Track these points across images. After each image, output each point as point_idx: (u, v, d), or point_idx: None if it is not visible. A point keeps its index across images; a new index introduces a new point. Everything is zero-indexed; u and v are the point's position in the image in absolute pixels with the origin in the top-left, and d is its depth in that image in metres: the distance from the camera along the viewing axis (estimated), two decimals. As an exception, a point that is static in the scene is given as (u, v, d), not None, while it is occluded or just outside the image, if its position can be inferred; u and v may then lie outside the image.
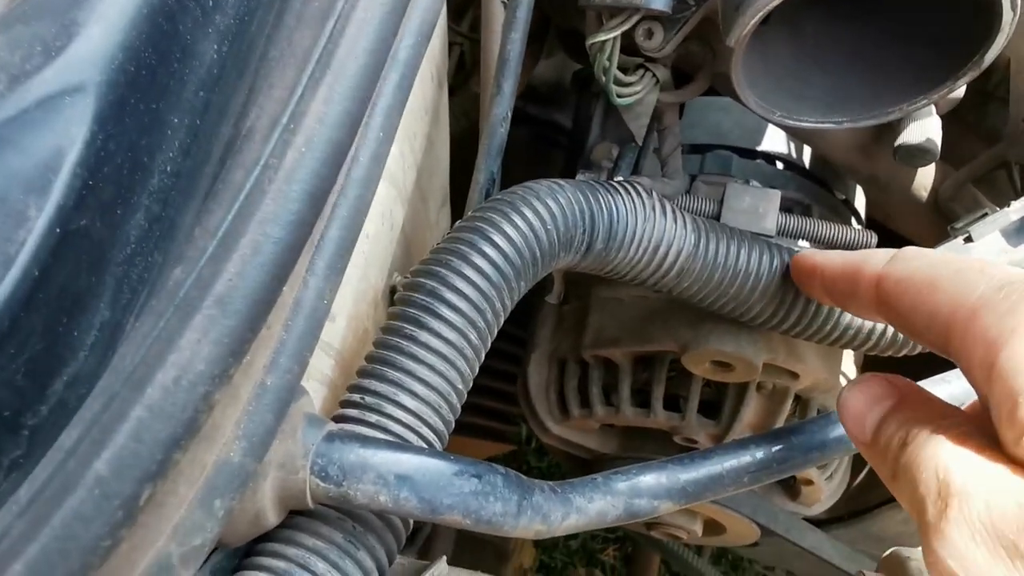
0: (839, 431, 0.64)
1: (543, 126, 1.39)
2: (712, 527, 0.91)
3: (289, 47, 0.37)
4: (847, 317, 0.66)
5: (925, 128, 0.73)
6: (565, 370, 0.86)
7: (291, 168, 0.34)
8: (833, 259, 0.53)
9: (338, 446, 0.43)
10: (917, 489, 0.36)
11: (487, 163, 0.61)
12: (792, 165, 0.88)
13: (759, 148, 0.89)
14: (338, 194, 0.41)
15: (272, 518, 0.43)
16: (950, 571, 0.34)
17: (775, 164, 0.88)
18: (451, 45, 1.25)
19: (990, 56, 0.59)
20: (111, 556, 0.31)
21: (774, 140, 0.90)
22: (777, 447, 0.63)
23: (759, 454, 0.62)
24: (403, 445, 0.47)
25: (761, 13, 0.56)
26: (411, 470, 0.44)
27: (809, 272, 0.57)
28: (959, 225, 0.67)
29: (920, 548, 0.57)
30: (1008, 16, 0.56)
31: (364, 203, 0.42)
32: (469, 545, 1.48)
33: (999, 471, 0.34)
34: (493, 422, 1.36)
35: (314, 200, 0.35)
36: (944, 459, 0.36)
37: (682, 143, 0.89)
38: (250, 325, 0.33)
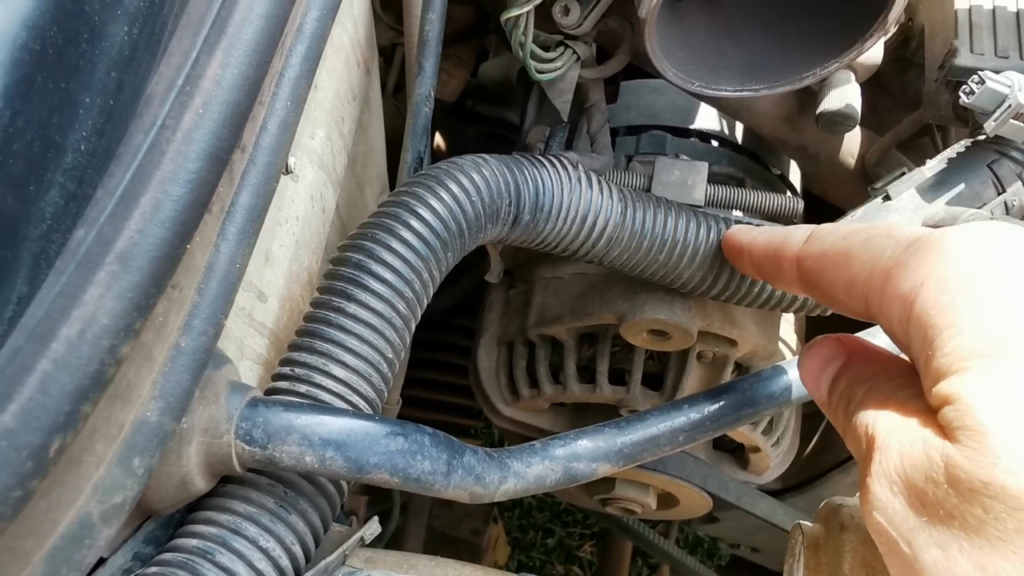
0: (768, 388, 0.66)
1: (493, 124, 1.40)
2: (665, 500, 0.92)
3: (185, 14, 0.38)
4: (774, 278, 0.68)
5: (844, 95, 0.75)
6: (513, 352, 0.87)
7: (189, 128, 0.35)
8: (758, 240, 0.54)
9: (262, 410, 0.44)
10: (856, 446, 0.38)
11: (413, 142, 0.63)
12: (726, 142, 0.90)
13: (693, 127, 0.91)
14: (247, 161, 0.42)
15: (200, 484, 0.44)
16: (875, 523, 0.34)
17: (709, 142, 0.90)
18: (395, 46, 1.27)
19: (892, 16, 0.61)
20: (23, 508, 0.32)
21: (708, 119, 0.92)
22: (710, 406, 0.65)
23: (692, 414, 0.64)
24: (327, 408, 0.48)
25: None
26: (335, 431, 0.45)
27: (738, 252, 0.59)
28: (878, 185, 0.69)
29: (854, 496, 0.59)
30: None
31: (274, 170, 0.43)
32: (440, 543, 1.48)
33: (911, 423, 0.35)
34: (457, 417, 1.36)
35: (214, 160, 0.36)
36: (871, 415, 0.37)
37: (618, 125, 0.91)
38: (154, 281, 0.34)
